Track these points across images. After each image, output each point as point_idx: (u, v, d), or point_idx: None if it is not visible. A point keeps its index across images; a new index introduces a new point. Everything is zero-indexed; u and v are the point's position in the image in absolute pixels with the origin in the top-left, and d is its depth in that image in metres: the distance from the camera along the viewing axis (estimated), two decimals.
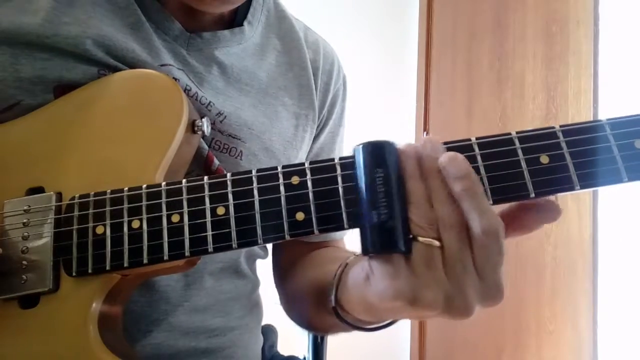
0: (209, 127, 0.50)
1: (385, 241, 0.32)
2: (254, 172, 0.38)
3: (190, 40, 0.55)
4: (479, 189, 0.32)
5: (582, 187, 0.34)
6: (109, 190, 0.40)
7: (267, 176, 0.37)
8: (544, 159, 0.35)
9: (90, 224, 0.40)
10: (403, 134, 1.91)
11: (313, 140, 0.66)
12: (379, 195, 0.33)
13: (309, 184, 0.36)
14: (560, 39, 1.53)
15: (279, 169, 0.37)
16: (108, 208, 0.40)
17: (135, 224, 0.39)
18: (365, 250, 0.33)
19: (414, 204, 0.33)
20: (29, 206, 0.42)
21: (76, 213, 0.41)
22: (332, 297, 0.40)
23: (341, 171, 0.36)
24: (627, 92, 1.34)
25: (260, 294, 0.68)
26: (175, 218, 0.38)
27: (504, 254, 0.32)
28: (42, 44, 0.48)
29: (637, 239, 1.27)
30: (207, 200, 0.38)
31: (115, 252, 0.39)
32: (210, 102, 0.54)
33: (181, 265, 0.41)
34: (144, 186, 0.40)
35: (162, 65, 0.52)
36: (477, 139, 0.36)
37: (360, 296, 0.35)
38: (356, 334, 0.42)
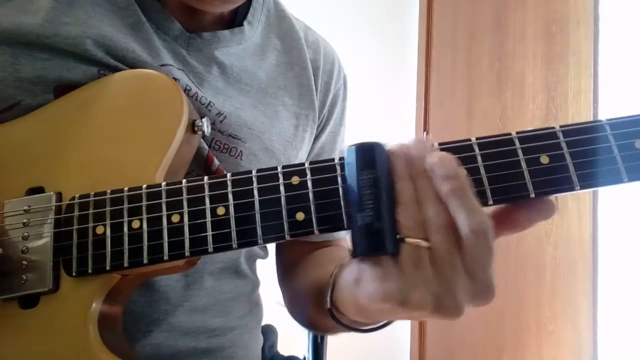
0: (209, 127, 0.50)
1: (373, 243, 0.32)
2: (254, 172, 0.38)
3: (190, 41, 0.55)
4: (466, 188, 0.32)
5: (582, 188, 0.34)
6: (109, 190, 0.40)
7: (267, 176, 0.37)
8: (544, 159, 0.35)
9: (90, 224, 0.40)
10: (403, 134, 1.91)
11: (314, 140, 0.66)
12: (365, 197, 0.33)
13: (309, 184, 0.36)
14: (560, 39, 1.53)
15: (279, 169, 0.37)
16: (108, 208, 0.40)
17: (136, 224, 0.39)
18: (354, 253, 0.33)
19: (402, 204, 0.33)
20: (29, 206, 0.42)
21: (76, 213, 0.41)
22: (328, 299, 0.40)
23: (341, 171, 0.36)
24: (627, 92, 1.34)
25: (260, 294, 0.68)
26: (175, 218, 0.38)
27: (494, 253, 0.32)
28: (42, 44, 0.48)
29: (637, 239, 1.27)
30: (207, 200, 0.38)
31: (115, 252, 0.39)
32: (210, 102, 0.54)
33: (181, 265, 0.41)
34: (144, 186, 0.40)
35: (162, 66, 0.52)
36: (477, 139, 0.36)
37: (352, 298, 0.35)
38: (356, 334, 0.42)
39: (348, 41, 1.74)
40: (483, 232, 0.31)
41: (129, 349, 0.46)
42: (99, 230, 0.39)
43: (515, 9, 1.66)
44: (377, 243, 0.32)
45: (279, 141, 0.59)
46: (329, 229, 0.36)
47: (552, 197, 0.35)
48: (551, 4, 1.57)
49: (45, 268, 0.40)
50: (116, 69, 0.49)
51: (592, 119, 0.37)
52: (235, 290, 0.61)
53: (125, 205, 0.40)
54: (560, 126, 0.35)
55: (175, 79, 0.51)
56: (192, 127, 0.47)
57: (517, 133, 0.36)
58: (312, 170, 0.37)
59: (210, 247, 0.37)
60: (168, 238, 0.38)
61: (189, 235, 0.38)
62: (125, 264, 0.39)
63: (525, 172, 0.34)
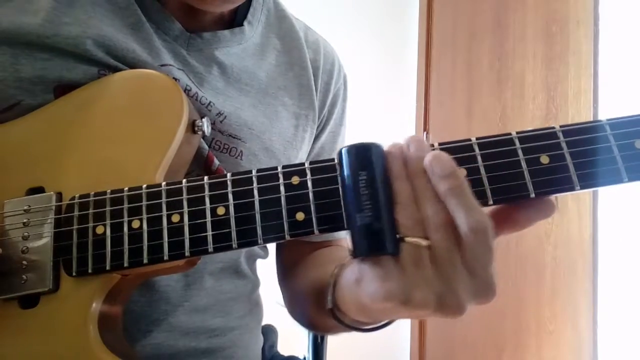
0: (209, 127, 0.50)
1: (372, 244, 0.32)
2: (254, 172, 0.38)
3: (191, 41, 0.55)
4: (464, 187, 0.32)
5: (582, 188, 0.34)
6: (109, 190, 0.40)
7: (267, 176, 0.37)
8: (544, 159, 0.35)
9: (90, 224, 0.40)
10: (403, 134, 1.91)
11: (314, 140, 0.66)
12: (362, 197, 0.33)
13: (309, 184, 0.36)
14: (560, 39, 1.53)
15: (279, 169, 0.37)
16: (108, 208, 0.40)
17: (136, 224, 0.39)
18: (354, 253, 0.33)
19: (400, 204, 0.33)
20: (29, 206, 0.42)
21: (76, 213, 0.41)
22: (329, 299, 0.40)
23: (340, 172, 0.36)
24: (627, 92, 1.34)
25: (260, 294, 0.68)
26: (175, 218, 0.38)
27: (494, 251, 0.32)
28: (42, 44, 0.48)
29: (637, 239, 1.27)
30: (207, 200, 0.38)
31: (115, 252, 0.39)
32: (210, 102, 0.54)
33: (181, 265, 0.41)
34: (144, 186, 0.40)
35: (162, 66, 0.52)
36: (477, 139, 0.36)
37: (353, 298, 0.35)
38: (356, 334, 0.42)
39: (348, 41, 1.74)
40: (482, 231, 0.31)
41: (129, 349, 0.46)
42: (99, 230, 0.39)
43: (515, 9, 1.66)
44: (377, 243, 0.32)
45: (279, 141, 0.59)
46: (329, 229, 0.36)
47: (552, 196, 0.35)
48: (551, 4, 1.57)
49: (45, 268, 0.40)
50: (116, 69, 0.49)
51: (592, 119, 0.37)
52: (235, 290, 0.61)
53: (125, 205, 0.40)
54: (560, 126, 0.35)
55: (176, 79, 0.51)
56: (192, 127, 0.47)
57: (517, 133, 0.36)
58: (312, 170, 0.37)
59: (210, 247, 0.37)
60: (168, 238, 0.38)
61: (189, 235, 0.38)
62: (125, 264, 0.39)
63: (526, 172, 0.35)
